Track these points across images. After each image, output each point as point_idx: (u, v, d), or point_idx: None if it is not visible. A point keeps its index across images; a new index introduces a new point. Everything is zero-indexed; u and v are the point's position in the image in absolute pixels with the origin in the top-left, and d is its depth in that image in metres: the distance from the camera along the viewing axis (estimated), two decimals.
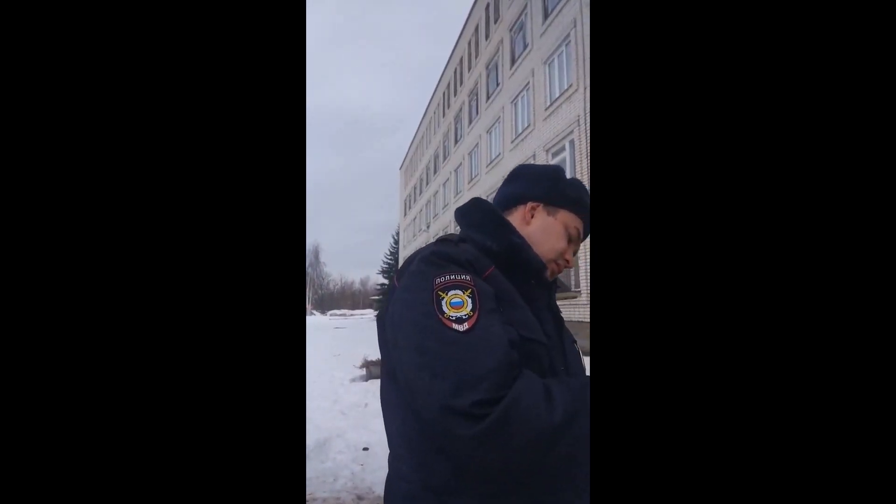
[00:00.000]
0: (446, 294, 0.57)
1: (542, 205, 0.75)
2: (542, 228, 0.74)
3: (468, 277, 0.59)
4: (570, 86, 9.47)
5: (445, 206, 19.26)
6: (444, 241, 0.67)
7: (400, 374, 0.58)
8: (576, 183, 0.78)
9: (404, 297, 0.60)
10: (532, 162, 10.27)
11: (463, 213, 0.75)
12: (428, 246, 0.66)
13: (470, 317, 0.55)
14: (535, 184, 0.77)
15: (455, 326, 0.54)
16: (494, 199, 0.81)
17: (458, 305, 0.56)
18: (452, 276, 0.59)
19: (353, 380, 6.58)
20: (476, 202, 0.75)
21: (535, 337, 0.62)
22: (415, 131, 26.99)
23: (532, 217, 0.75)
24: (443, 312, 0.55)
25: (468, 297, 0.57)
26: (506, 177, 0.82)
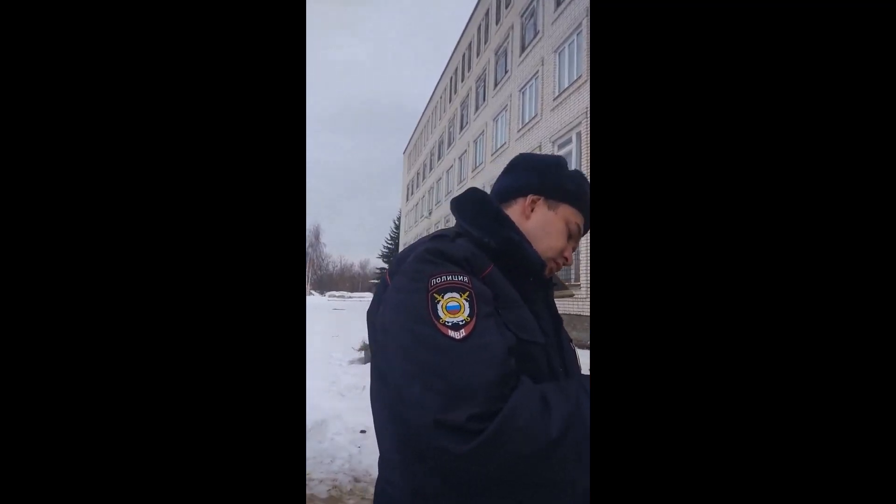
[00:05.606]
0: (442, 297, 0.54)
1: (542, 198, 0.71)
2: (542, 224, 0.70)
3: (465, 279, 0.56)
4: (580, 77, 9.35)
5: (448, 193, 19.17)
6: (440, 236, 0.64)
7: (390, 380, 0.54)
8: (577, 175, 0.73)
9: (397, 297, 0.57)
10: (539, 152, 10.19)
11: (459, 205, 0.70)
12: (423, 241, 0.63)
13: (466, 323, 0.52)
14: (536, 175, 0.72)
15: (451, 333, 0.52)
16: (492, 189, 0.76)
17: (454, 310, 0.53)
18: (449, 277, 0.55)
19: (352, 362, 6.63)
20: (473, 193, 0.71)
21: (534, 339, 0.60)
22: (420, 116, 26.73)
23: (532, 211, 0.71)
24: (438, 317, 0.52)
25: (465, 300, 0.54)
26: (505, 166, 0.77)
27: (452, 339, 0.51)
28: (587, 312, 7.42)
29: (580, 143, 9.25)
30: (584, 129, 9.07)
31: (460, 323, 0.52)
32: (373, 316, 0.63)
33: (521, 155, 0.78)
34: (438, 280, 0.55)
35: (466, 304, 0.54)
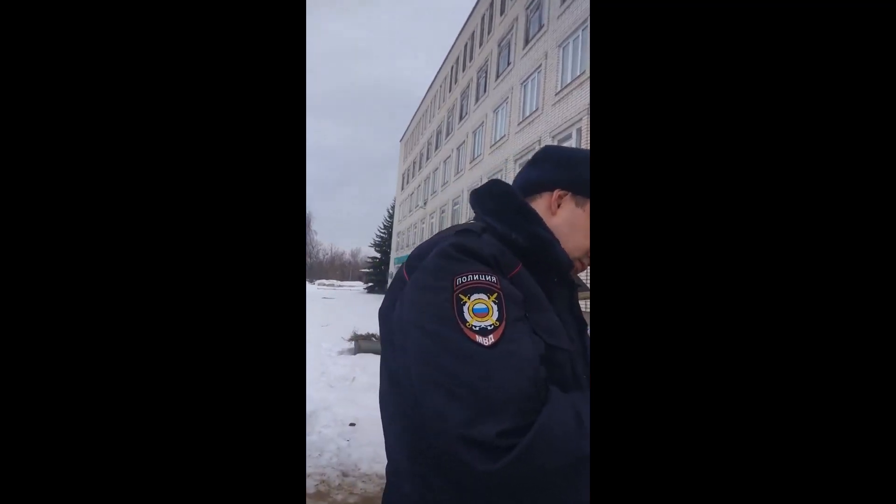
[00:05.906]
0: (468, 298, 0.49)
1: (570, 194, 0.66)
2: (569, 221, 0.65)
3: (494, 279, 0.51)
4: (584, 72, 9.26)
5: (445, 183, 19.06)
6: (465, 231, 0.58)
7: (406, 385, 0.50)
8: None
9: (417, 296, 0.52)
10: (539, 146, 10.16)
11: (480, 198, 0.66)
12: (446, 234, 0.58)
13: (495, 328, 0.48)
14: (564, 170, 0.67)
15: (478, 339, 0.47)
16: (515, 182, 0.71)
17: (481, 313, 0.49)
18: (476, 277, 0.51)
19: (341, 352, 6.56)
20: (496, 185, 0.66)
21: (562, 345, 0.55)
22: (419, 104, 26.43)
23: (559, 207, 0.66)
24: (464, 321, 0.48)
25: (493, 302, 0.49)
26: (530, 158, 0.72)
27: (480, 345, 0.47)
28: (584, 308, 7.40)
29: (580, 138, 9.19)
30: (585, 126, 9.00)
31: (488, 327, 0.48)
32: (387, 314, 0.57)
33: (548, 147, 0.72)
34: (464, 279, 0.51)
35: (495, 307, 0.49)
